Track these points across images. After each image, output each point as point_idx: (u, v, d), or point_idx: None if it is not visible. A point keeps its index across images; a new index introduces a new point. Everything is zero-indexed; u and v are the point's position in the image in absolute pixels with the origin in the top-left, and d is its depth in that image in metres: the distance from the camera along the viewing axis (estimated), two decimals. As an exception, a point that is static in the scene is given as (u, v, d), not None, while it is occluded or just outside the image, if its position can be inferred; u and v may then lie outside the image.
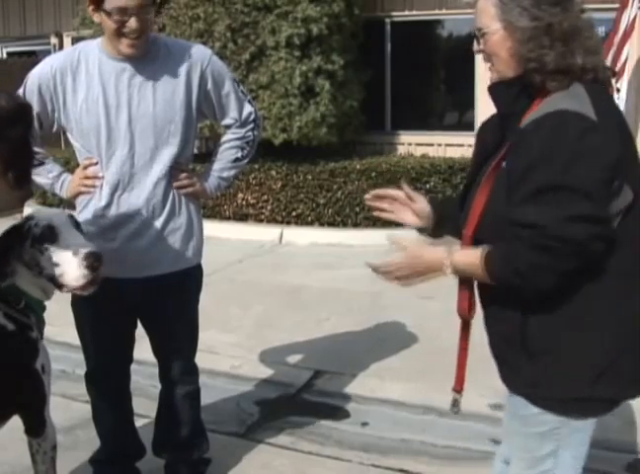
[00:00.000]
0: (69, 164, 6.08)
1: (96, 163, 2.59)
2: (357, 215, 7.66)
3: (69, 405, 3.54)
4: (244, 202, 7.99)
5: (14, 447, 2.34)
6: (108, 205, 2.59)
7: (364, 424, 3.55)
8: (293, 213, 7.85)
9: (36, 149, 2.73)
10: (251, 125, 2.75)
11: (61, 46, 10.35)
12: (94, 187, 2.60)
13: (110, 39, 2.48)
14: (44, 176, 2.73)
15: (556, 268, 1.63)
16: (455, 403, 2.06)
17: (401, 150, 9.03)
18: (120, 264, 2.54)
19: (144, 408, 3.18)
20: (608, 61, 6.76)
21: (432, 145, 8.88)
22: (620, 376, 1.73)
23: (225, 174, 2.80)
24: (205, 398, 3.08)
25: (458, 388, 2.06)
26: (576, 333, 1.72)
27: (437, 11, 8.83)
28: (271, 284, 5.99)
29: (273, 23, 7.66)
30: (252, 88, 7.66)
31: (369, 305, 5.42)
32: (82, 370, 2.89)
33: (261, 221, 7.98)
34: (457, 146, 8.77)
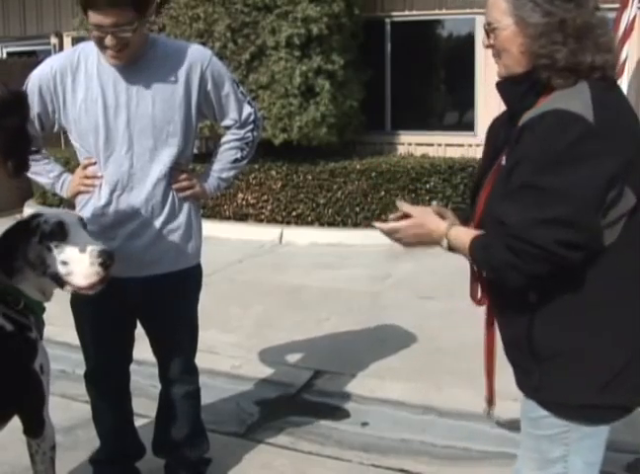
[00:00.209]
0: (69, 164, 6.08)
1: (95, 163, 2.60)
2: (357, 215, 7.67)
3: (69, 405, 3.54)
4: (244, 202, 7.99)
5: (14, 447, 2.34)
6: (107, 205, 2.59)
7: (364, 424, 3.55)
8: (293, 213, 7.85)
9: (35, 148, 2.75)
10: (250, 126, 2.75)
11: (61, 46, 10.34)
12: (93, 186, 2.61)
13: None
14: (46, 176, 2.75)
15: (522, 269, 1.63)
16: (489, 412, 2.03)
17: (401, 150, 9.03)
18: (120, 263, 2.53)
19: (144, 408, 3.18)
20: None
21: (432, 145, 8.88)
22: (629, 383, 1.71)
23: (225, 174, 2.80)
24: (205, 398, 3.08)
25: (489, 397, 2.01)
26: (580, 339, 1.70)
27: (437, 11, 8.83)
28: (271, 284, 5.99)
29: (273, 23, 7.65)
30: (252, 88, 7.66)
31: (369, 305, 5.42)
32: (82, 370, 2.89)
33: (261, 221, 7.98)
34: (457, 146, 8.77)
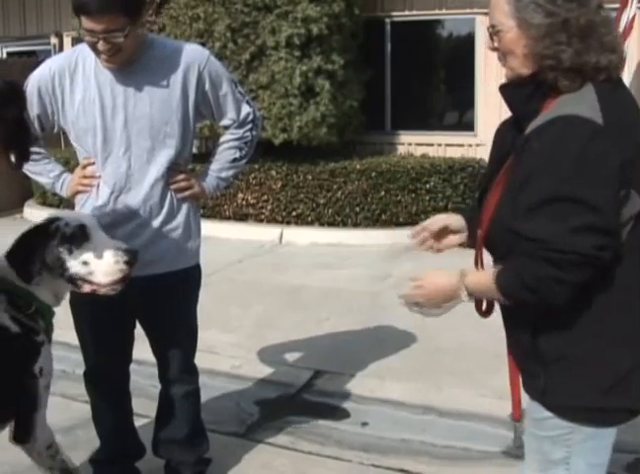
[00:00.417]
0: (69, 164, 6.08)
1: (94, 163, 2.61)
2: (357, 215, 7.67)
3: (69, 405, 3.54)
4: (244, 202, 7.99)
5: (14, 447, 2.34)
6: (105, 205, 2.60)
7: (364, 424, 3.55)
8: (293, 213, 7.85)
9: (35, 148, 2.75)
10: (249, 126, 2.75)
11: (61, 46, 10.35)
12: (91, 186, 2.63)
13: None
14: (46, 176, 2.78)
15: (564, 280, 1.60)
16: (517, 435, 1.93)
17: (401, 150, 9.03)
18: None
19: (144, 408, 3.18)
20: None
21: (432, 145, 8.88)
22: (634, 386, 1.71)
23: (224, 174, 2.80)
24: (205, 398, 3.08)
25: (517, 416, 1.93)
26: (585, 342, 1.70)
27: (437, 11, 8.83)
28: (271, 284, 5.99)
29: (273, 23, 7.65)
30: (252, 88, 7.66)
31: (369, 305, 5.42)
32: (82, 370, 2.89)
33: (261, 221, 7.98)
34: (457, 146, 8.77)
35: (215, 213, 8.04)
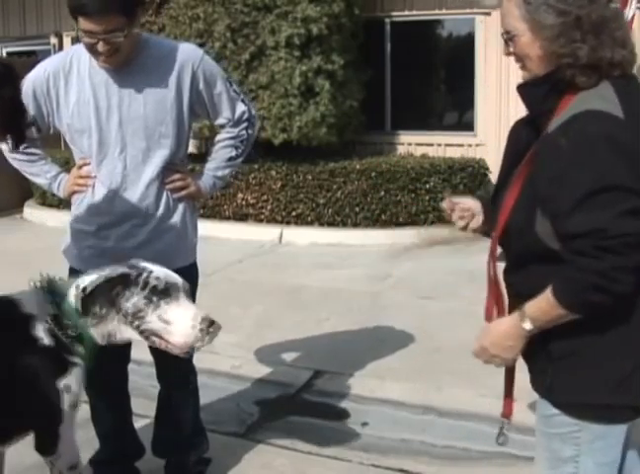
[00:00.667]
0: (68, 164, 6.05)
1: (90, 163, 2.62)
2: (357, 215, 7.66)
3: (69, 405, 3.53)
4: (244, 202, 7.99)
5: (14, 447, 2.33)
6: (101, 205, 2.61)
7: (364, 424, 3.55)
8: (293, 213, 7.85)
9: (34, 149, 2.75)
10: (245, 124, 2.75)
11: (61, 46, 10.34)
12: (87, 186, 2.64)
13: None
14: (43, 176, 2.79)
15: (626, 265, 1.58)
16: (501, 432, 1.95)
17: (401, 150, 9.03)
18: (115, 263, 2.53)
19: (143, 408, 3.18)
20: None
21: (431, 145, 8.88)
22: (635, 384, 1.71)
23: (220, 173, 2.80)
24: (205, 398, 3.08)
25: (508, 413, 1.94)
26: (593, 339, 1.70)
27: (437, 11, 8.83)
28: (271, 284, 5.99)
29: (272, 23, 7.65)
30: (252, 88, 7.66)
31: (369, 305, 5.42)
32: (81, 370, 2.89)
33: (261, 221, 7.98)
34: (457, 146, 8.77)
35: (215, 213, 8.04)
